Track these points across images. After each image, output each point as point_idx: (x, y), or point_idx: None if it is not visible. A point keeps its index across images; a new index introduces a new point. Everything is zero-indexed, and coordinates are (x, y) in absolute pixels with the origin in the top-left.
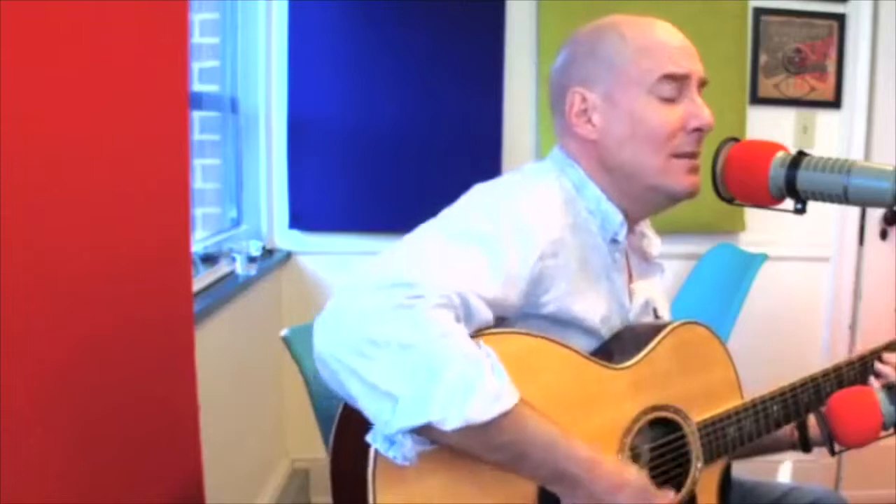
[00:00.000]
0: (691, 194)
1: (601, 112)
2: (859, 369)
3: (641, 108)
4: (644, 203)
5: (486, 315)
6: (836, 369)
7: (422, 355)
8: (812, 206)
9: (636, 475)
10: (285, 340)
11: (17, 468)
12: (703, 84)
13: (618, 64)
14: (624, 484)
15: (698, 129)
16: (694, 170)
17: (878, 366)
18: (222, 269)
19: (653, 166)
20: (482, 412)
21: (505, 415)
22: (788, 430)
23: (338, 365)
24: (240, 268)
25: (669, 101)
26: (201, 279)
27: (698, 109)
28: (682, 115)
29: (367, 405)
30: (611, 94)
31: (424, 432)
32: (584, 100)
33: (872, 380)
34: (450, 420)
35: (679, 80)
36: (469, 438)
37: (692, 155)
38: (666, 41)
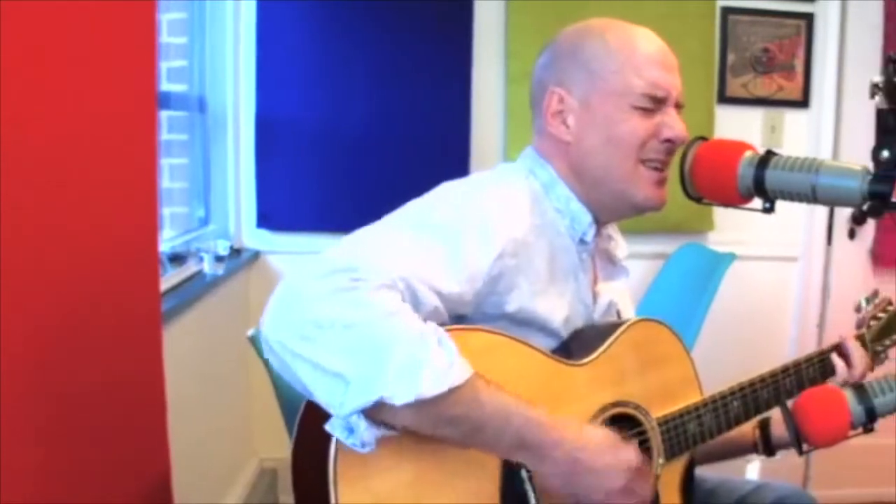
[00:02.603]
0: (656, 207)
1: (577, 116)
2: (818, 366)
3: (617, 117)
4: (610, 211)
5: (435, 303)
6: (796, 366)
7: (367, 334)
8: (780, 205)
9: (601, 433)
10: (252, 340)
11: None
12: (678, 106)
13: (599, 72)
14: (588, 444)
15: (669, 141)
16: (661, 182)
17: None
18: (190, 268)
19: (621, 171)
20: (432, 386)
21: (456, 389)
22: (750, 433)
23: (285, 351)
24: (207, 267)
25: (646, 111)
26: (169, 279)
27: (673, 122)
28: (657, 125)
29: (318, 390)
30: (588, 99)
31: (378, 414)
32: (561, 101)
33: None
34: (399, 395)
35: (659, 100)
36: (422, 415)
37: (660, 164)
38: (648, 55)
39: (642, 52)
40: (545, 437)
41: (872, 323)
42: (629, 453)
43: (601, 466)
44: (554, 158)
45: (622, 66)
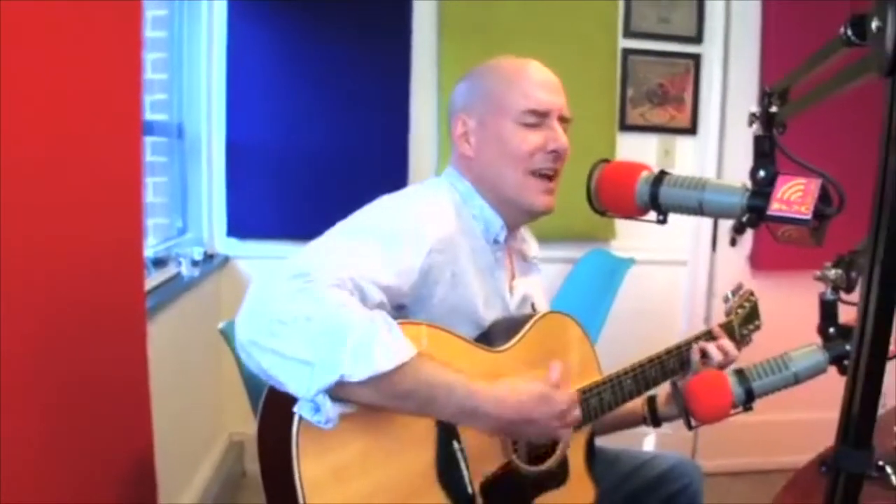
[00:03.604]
0: (546, 212)
1: (475, 134)
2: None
3: (506, 132)
4: (511, 214)
5: (380, 298)
6: (677, 348)
7: (324, 323)
8: (672, 217)
9: (531, 387)
10: (222, 332)
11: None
12: (563, 119)
13: (492, 96)
14: (524, 401)
15: (554, 151)
16: (549, 192)
17: (704, 344)
18: (170, 271)
19: (512, 181)
20: (385, 362)
21: (406, 364)
22: (640, 408)
23: (256, 349)
24: (185, 270)
25: (532, 126)
26: (152, 280)
27: (556, 134)
28: (543, 138)
29: (288, 378)
30: (484, 119)
31: (341, 392)
32: (464, 124)
33: (695, 358)
34: (358, 372)
35: (541, 114)
36: (379, 390)
37: (549, 173)
38: (534, 79)
39: (528, 77)
40: (486, 403)
41: (739, 311)
42: (559, 397)
43: (537, 416)
44: (466, 173)
45: (509, 87)
